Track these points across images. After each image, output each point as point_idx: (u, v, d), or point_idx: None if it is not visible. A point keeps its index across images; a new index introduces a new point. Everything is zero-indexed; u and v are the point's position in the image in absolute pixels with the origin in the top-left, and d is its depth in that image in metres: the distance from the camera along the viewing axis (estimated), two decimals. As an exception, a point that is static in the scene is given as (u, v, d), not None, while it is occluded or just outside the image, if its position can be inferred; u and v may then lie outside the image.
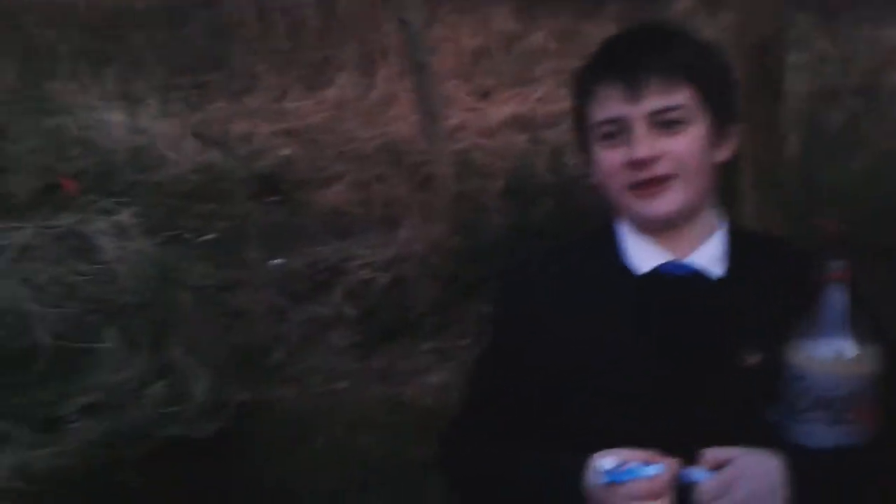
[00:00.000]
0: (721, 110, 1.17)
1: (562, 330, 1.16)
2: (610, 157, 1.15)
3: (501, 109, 4.45)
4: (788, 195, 2.99)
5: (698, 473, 1.08)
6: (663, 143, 1.13)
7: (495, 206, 3.43)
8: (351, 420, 2.81)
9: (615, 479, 1.08)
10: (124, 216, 3.08)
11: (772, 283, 1.17)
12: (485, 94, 4.70)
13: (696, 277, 1.17)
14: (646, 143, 1.12)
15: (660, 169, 1.14)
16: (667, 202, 1.15)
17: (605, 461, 1.08)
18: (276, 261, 3.41)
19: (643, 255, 1.18)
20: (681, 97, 1.13)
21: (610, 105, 1.14)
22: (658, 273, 1.17)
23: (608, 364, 1.14)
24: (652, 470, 1.07)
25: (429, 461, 1.32)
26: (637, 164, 1.13)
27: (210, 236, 3.30)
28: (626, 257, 1.19)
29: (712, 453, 1.08)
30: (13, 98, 4.72)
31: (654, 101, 1.13)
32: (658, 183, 1.14)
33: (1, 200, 3.75)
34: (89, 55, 4.93)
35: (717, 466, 1.08)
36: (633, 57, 1.14)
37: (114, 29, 5.14)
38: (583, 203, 3.24)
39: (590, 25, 5.06)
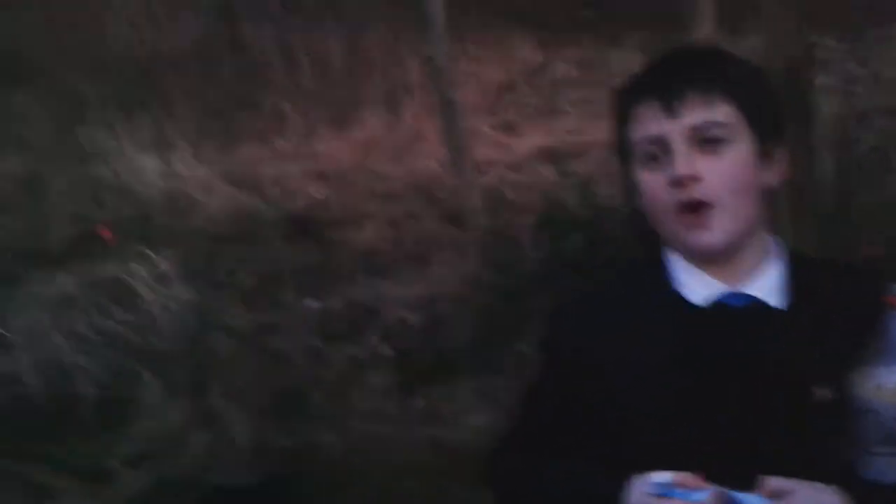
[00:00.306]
0: (766, 130, 1.13)
1: (615, 361, 1.14)
2: (652, 180, 1.12)
3: (528, 142, 4.46)
4: (823, 218, 2.96)
5: (754, 499, 1.06)
6: (705, 162, 1.10)
7: (527, 241, 3.43)
8: (393, 463, 2.80)
9: (664, 493, 1.06)
10: (161, 262, 3.13)
11: (836, 312, 1.13)
12: (511, 128, 4.73)
13: (755, 308, 1.14)
14: (687, 161, 1.10)
15: (701, 192, 1.10)
16: (712, 233, 1.11)
17: (658, 476, 1.07)
18: (311, 302, 3.43)
19: (696, 284, 1.15)
20: (721, 113, 1.10)
21: (649, 123, 1.12)
22: (715, 304, 1.14)
23: (665, 397, 1.12)
24: (701, 495, 1.05)
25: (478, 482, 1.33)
26: (678, 183, 1.10)
27: (246, 279, 3.33)
28: (679, 287, 1.16)
29: (773, 482, 1.06)
30: (49, 146, 4.83)
31: (694, 116, 1.10)
32: (700, 208, 1.11)
33: (39, 250, 3.83)
34: (122, 102, 5.04)
35: (776, 496, 1.05)
36: (671, 73, 1.13)
37: (145, 76, 5.25)
38: (615, 234, 3.23)
39: (613, 53, 5.07)
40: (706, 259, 1.15)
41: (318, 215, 3.97)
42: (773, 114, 1.16)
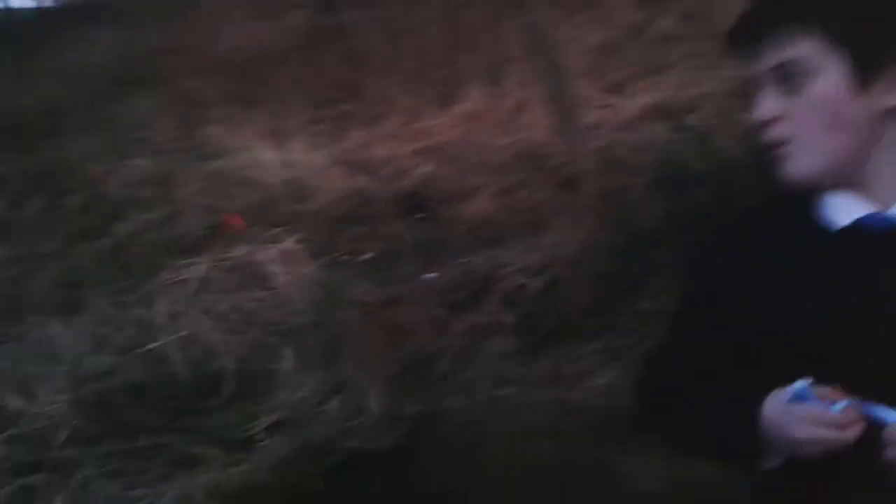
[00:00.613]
0: (864, 52, 1.09)
1: (757, 282, 1.14)
2: (751, 118, 1.14)
3: (637, 101, 4.36)
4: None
5: (891, 413, 1.05)
6: (787, 101, 1.10)
7: (643, 200, 3.37)
8: (521, 426, 2.83)
9: (804, 396, 1.06)
10: (289, 244, 3.27)
11: None
12: (618, 88, 4.63)
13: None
14: (765, 103, 1.11)
15: (781, 131, 1.11)
16: (795, 169, 1.11)
17: (796, 383, 1.07)
18: (429, 275, 3.50)
19: (840, 207, 1.13)
20: (801, 49, 1.09)
21: (739, 66, 1.14)
22: (858, 227, 1.11)
23: (806, 318, 1.11)
24: (838, 406, 1.05)
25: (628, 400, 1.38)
26: (760, 125, 1.12)
27: (367, 256, 3.43)
28: (823, 211, 1.15)
29: None
30: (174, 146, 5.12)
31: (772, 56, 1.10)
32: (782, 146, 1.11)
33: (175, 240, 4.07)
34: (237, 98, 5.27)
35: None
36: (752, 16, 1.13)
37: (256, 71, 5.47)
38: (737, 186, 3.12)
39: (715, 4, 4.88)
40: (843, 183, 1.13)
41: (430, 191, 4.04)
42: (875, 33, 1.11)
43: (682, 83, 4.30)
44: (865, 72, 1.10)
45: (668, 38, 5.05)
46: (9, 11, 8.52)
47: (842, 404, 1.05)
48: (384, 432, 2.80)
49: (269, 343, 2.92)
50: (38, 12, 8.51)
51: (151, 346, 2.92)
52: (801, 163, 1.11)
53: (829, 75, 1.10)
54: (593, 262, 3.25)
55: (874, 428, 1.07)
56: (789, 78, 1.10)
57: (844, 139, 1.11)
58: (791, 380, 1.09)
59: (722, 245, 1.22)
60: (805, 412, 1.06)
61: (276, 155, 4.47)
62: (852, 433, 1.04)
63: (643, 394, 1.31)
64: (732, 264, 1.18)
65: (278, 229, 3.48)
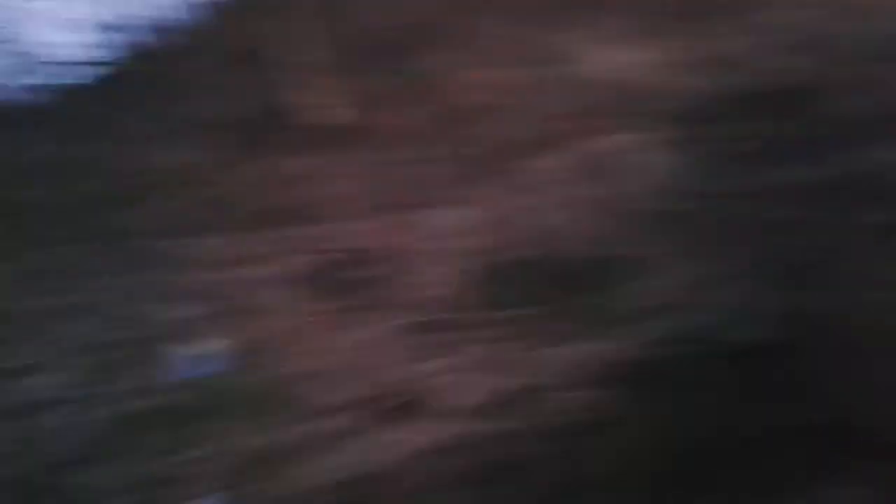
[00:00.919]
0: None
1: None
2: None
3: None
4: None
5: None
6: None
7: None
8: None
9: None
10: (658, 137, 3.36)
11: None
12: None
13: None
14: None
15: None
16: None
17: None
18: (790, 172, 3.35)
19: None
20: None
21: None
22: None
23: None
24: None
25: None
26: None
27: (731, 149, 3.39)
28: None
29: None
30: (520, 54, 5.34)
31: None
32: None
33: (533, 139, 4.32)
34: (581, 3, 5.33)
35: None
36: None
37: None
38: None
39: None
40: None
41: (797, 85, 3.83)
42: None
43: None
44: None
45: None
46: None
47: None
48: (758, 326, 2.83)
49: (640, 231, 3.08)
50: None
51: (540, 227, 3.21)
52: None
53: None
54: None
55: None
56: None
57: None
58: None
59: None
60: None
61: (625, 55, 4.51)
62: None
63: None
64: None
65: (635, 124, 3.56)
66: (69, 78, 4.75)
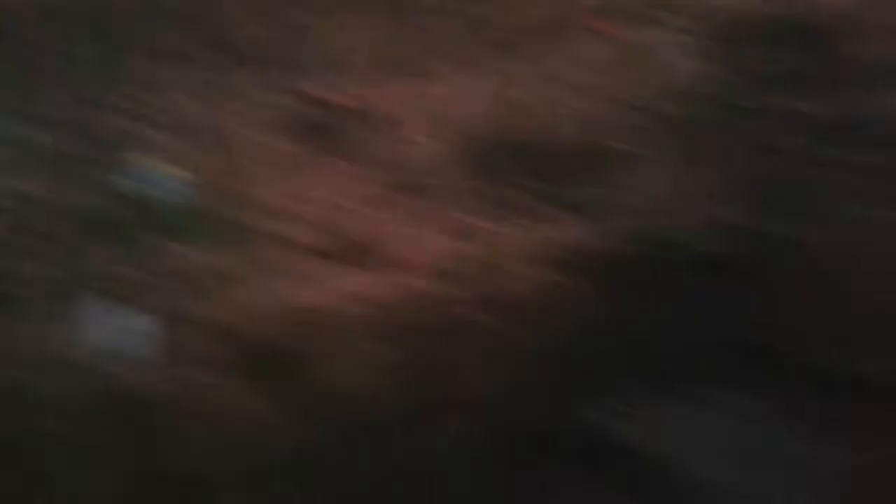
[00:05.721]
0: None
1: None
2: None
3: None
4: None
5: None
6: None
7: None
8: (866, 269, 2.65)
9: None
10: (682, 41, 3.23)
11: None
12: None
13: None
14: None
15: None
16: None
17: None
18: (802, 104, 3.25)
19: None
20: None
21: None
22: None
23: None
24: None
25: None
26: None
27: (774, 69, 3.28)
28: None
29: None
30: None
31: None
32: None
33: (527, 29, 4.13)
34: None
35: None
36: None
37: None
38: None
39: None
40: None
41: (830, 24, 3.68)
42: None
43: None
44: None
45: None
46: None
47: None
48: (726, 243, 2.78)
49: (636, 129, 2.98)
50: None
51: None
52: None
53: None
54: None
55: None
56: None
57: None
58: None
59: None
60: None
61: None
62: None
63: None
64: None
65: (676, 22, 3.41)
66: None
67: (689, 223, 2.80)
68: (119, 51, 3.64)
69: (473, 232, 2.91)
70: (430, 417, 2.41)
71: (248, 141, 3.32)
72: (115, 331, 2.70)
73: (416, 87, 3.59)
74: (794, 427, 2.77)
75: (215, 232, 2.93)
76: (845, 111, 3.14)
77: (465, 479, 2.28)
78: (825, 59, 3.46)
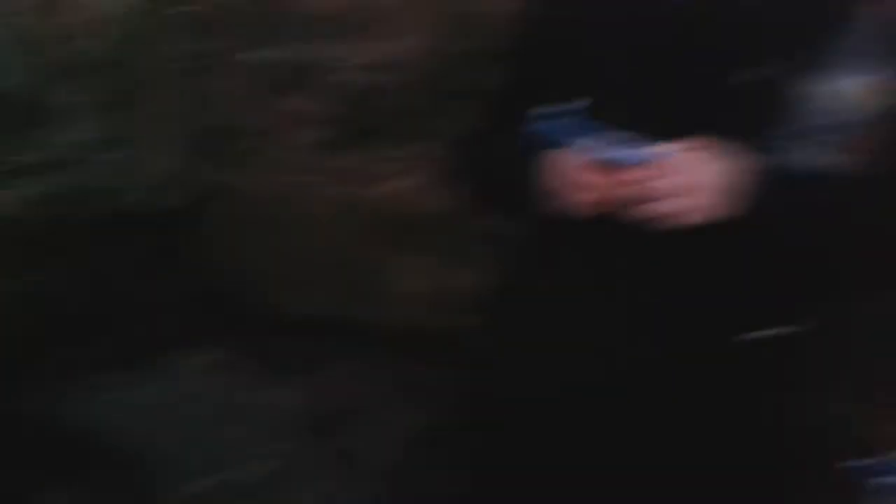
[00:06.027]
0: None
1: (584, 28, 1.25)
2: None
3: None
4: None
5: (631, 155, 1.09)
6: None
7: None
8: (308, 214, 2.77)
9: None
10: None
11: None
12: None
13: None
14: None
15: None
16: None
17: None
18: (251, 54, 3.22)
19: None
20: None
21: None
22: None
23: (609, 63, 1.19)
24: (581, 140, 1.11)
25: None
26: None
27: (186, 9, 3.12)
28: None
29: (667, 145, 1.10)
30: None
31: None
32: None
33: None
34: None
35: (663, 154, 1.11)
36: None
37: None
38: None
39: None
40: None
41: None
42: None
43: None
44: None
45: None
46: None
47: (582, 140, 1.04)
48: (161, 193, 2.66)
49: (56, 76, 2.65)
50: None
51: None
52: None
53: None
54: (434, 70, 3.11)
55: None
56: None
57: None
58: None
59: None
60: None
61: None
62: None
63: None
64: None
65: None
66: None
67: (116, 176, 2.61)
68: None
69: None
70: None
71: None
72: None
73: None
74: (257, 375, 2.81)
75: None
76: (286, 59, 3.20)
77: None
78: (267, 7, 3.49)
